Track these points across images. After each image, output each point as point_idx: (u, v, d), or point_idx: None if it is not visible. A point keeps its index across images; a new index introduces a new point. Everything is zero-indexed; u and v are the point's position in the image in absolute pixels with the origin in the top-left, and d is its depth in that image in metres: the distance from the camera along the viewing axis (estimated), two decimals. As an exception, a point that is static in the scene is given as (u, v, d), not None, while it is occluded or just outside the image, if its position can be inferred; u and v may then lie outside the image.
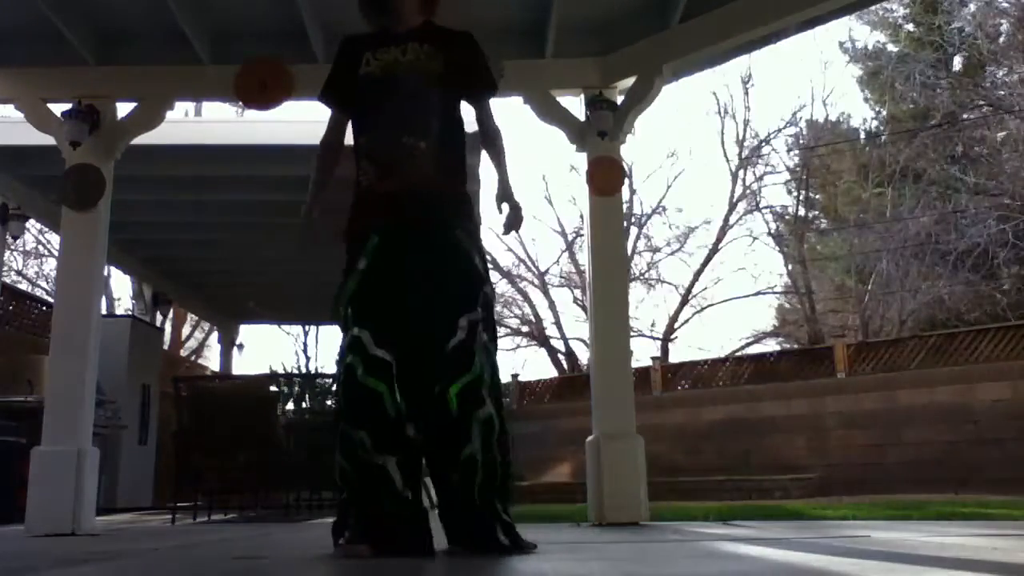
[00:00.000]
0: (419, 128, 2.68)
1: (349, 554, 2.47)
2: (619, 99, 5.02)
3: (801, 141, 21.75)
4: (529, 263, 22.28)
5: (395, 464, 2.47)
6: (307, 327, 21.29)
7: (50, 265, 17.51)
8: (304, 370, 18.04)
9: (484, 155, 2.90)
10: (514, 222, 2.79)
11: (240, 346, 12.07)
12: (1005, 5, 17.08)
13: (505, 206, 2.80)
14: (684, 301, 21.53)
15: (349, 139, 2.88)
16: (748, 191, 21.45)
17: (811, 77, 45.80)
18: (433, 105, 2.72)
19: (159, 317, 10.49)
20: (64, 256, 4.85)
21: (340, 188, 2.84)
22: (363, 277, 2.63)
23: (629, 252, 20.03)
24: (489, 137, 2.88)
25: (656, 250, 22.04)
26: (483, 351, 2.58)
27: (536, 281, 21.94)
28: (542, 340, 22.09)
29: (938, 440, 11.92)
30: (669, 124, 36.71)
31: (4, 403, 6.43)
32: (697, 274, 21.36)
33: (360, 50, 2.77)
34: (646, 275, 21.95)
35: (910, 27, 19.04)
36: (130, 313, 10.59)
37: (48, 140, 4.91)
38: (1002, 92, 16.62)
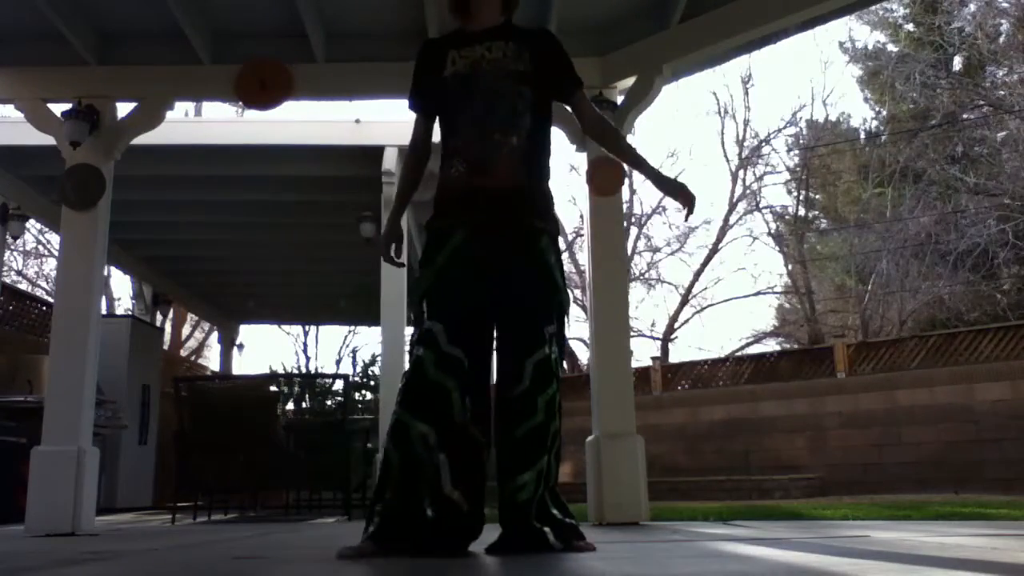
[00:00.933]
0: (509, 125, 2.65)
1: (348, 553, 2.43)
2: (619, 99, 5.02)
3: (801, 141, 21.77)
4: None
5: (447, 463, 2.44)
6: (307, 327, 21.28)
7: (50, 265, 17.52)
8: (304, 370, 18.09)
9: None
10: (689, 203, 2.70)
11: (240, 346, 12.08)
12: (1005, 5, 17.08)
13: (665, 190, 2.76)
14: (684, 301, 21.54)
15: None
16: (748, 191, 21.47)
17: (811, 77, 45.87)
18: (522, 102, 2.69)
19: (159, 317, 10.50)
20: (64, 256, 4.85)
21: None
22: (442, 271, 2.58)
23: (629, 252, 20.03)
24: (599, 129, 2.87)
25: (656, 250, 22.06)
26: (559, 365, 2.60)
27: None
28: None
29: (938, 440, 11.92)
30: (669, 124, 36.75)
31: (4, 403, 6.43)
32: (697, 274, 21.37)
33: (443, 50, 2.74)
34: (646, 275, 21.97)
35: (910, 27, 19.04)
36: (130, 313, 10.59)
37: (48, 140, 4.91)
38: (1002, 92, 16.62)
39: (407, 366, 2.59)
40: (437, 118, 2.81)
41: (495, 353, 2.61)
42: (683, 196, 2.70)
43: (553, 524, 2.52)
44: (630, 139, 5.24)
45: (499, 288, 2.58)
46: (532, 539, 2.47)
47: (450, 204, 2.66)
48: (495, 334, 2.61)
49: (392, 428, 2.49)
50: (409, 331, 10.11)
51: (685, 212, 2.70)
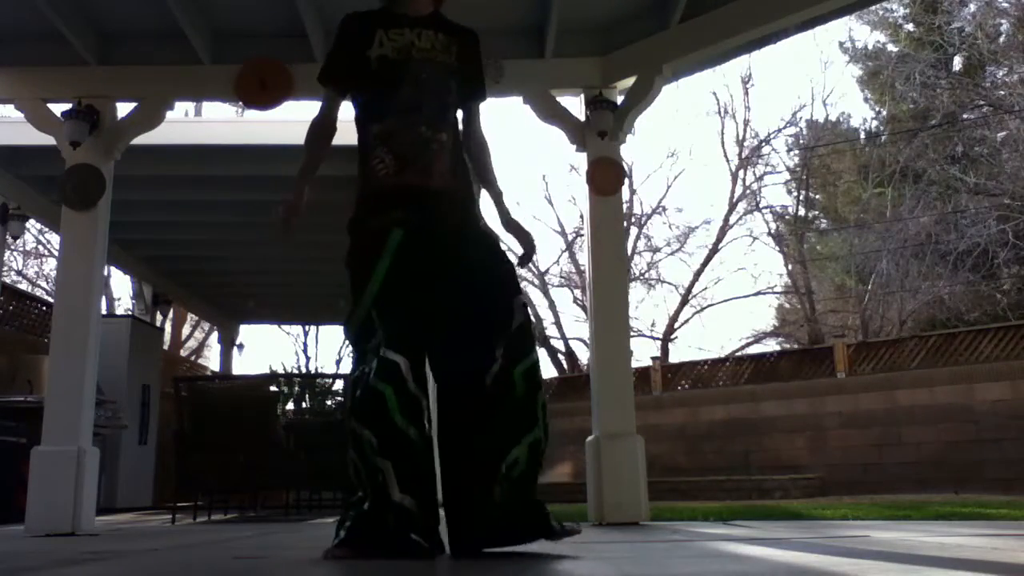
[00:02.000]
0: (438, 120, 2.58)
1: (331, 556, 2.44)
2: (619, 99, 5.02)
3: (801, 141, 21.77)
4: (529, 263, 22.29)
5: (392, 469, 2.38)
6: (307, 327, 21.28)
7: (50, 265, 17.52)
8: (304, 370, 18.09)
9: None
10: (531, 248, 2.70)
11: (240, 346, 12.08)
12: (1005, 5, 17.08)
13: (513, 232, 2.72)
14: (684, 301, 21.54)
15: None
16: (748, 191, 21.46)
17: (811, 77, 45.84)
18: (451, 97, 2.63)
19: (159, 317, 10.49)
20: (64, 256, 4.85)
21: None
22: (388, 276, 2.47)
23: (629, 252, 20.03)
24: (480, 145, 2.79)
25: (656, 250, 22.06)
26: (534, 334, 2.54)
27: (536, 281, 21.92)
28: (542, 340, 22.06)
29: (938, 440, 11.93)
30: (669, 124, 36.77)
31: (4, 403, 6.43)
32: (697, 274, 21.37)
33: (370, 28, 2.62)
34: (646, 275, 21.97)
35: (910, 27, 19.04)
36: (130, 313, 10.58)
37: (48, 140, 4.91)
38: (1002, 92, 16.62)
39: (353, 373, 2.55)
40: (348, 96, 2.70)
41: (451, 347, 2.51)
42: (524, 241, 2.70)
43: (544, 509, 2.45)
44: (630, 139, 5.27)
45: (455, 275, 2.50)
46: (535, 517, 2.39)
47: (382, 201, 2.55)
48: (450, 327, 2.51)
49: (350, 437, 2.47)
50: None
51: (521, 258, 2.68)
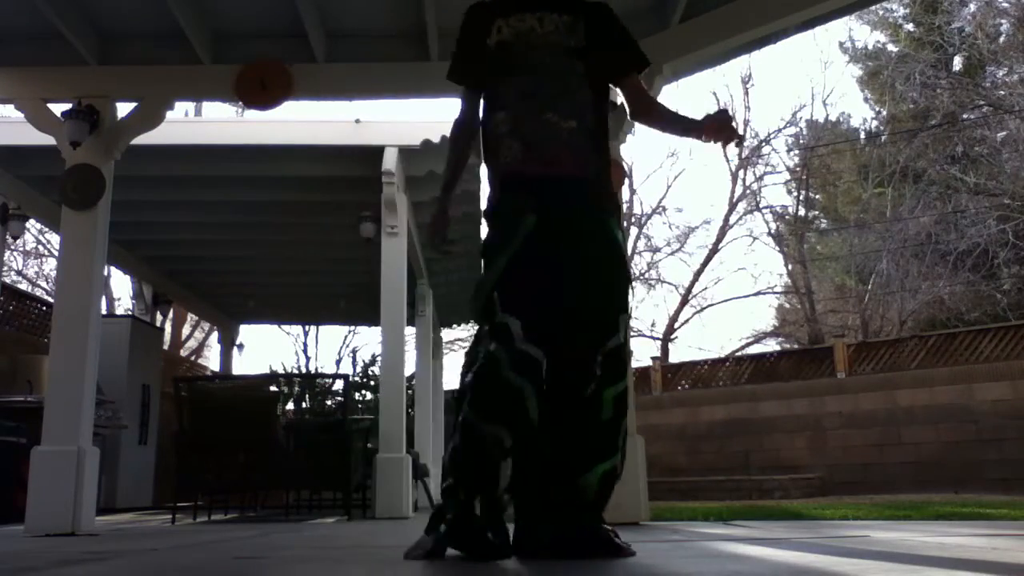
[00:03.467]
0: (564, 106, 2.46)
1: (415, 555, 2.32)
2: (619, 99, 5.01)
3: (801, 141, 21.79)
4: (529, 263, 22.30)
5: (510, 470, 2.27)
6: (307, 327, 21.28)
7: (50, 265, 17.51)
8: (304, 370, 18.10)
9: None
10: (731, 130, 2.41)
11: (240, 346, 12.07)
12: (1005, 5, 17.09)
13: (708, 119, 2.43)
14: (684, 301, 21.56)
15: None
16: (748, 191, 21.49)
17: (811, 77, 45.88)
18: (576, 79, 2.50)
19: (159, 317, 10.50)
20: (64, 256, 4.85)
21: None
22: (513, 261, 2.34)
23: (629, 252, 20.04)
24: (660, 112, 2.62)
25: (656, 250, 22.09)
26: (629, 356, 2.45)
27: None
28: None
29: (938, 440, 11.93)
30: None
31: (4, 403, 6.43)
32: (697, 274, 21.40)
33: (489, 17, 2.53)
34: (646, 275, 21.98)
35: (910, 27, 19.05)
36: (130, 313, 10.58)
37: (48, 140, 4.91)
38: (1002, 92, 16.63)
39: (477, 360, 2.35)
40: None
41: (559, 352, 2.37)
42: (719, 118, 2.43)
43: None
44: (630, 138, 5.25)
45: (575, 279, 2.39)
46: (596, 542, 2.34)
47: (514, 188, 2.44)
48: (574, 328, 2.39)
49: (463, 432, 2.30)
50: (410, 331, 10.03)
51: (725, 141, 2.41)
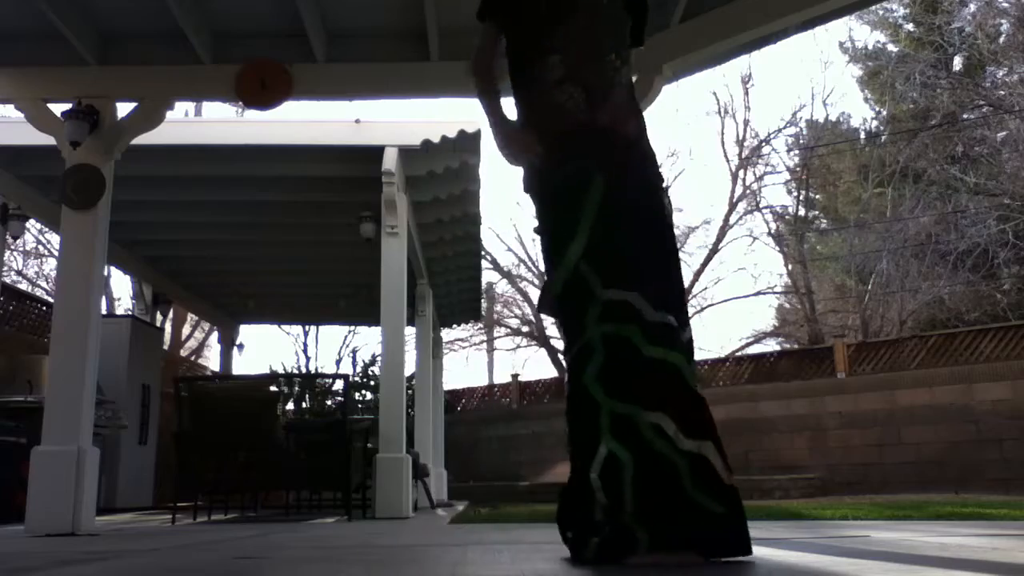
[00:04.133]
0: (621, 48, 2.28)
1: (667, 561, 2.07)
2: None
3: (801, 141, 21.77)
4: (529, 263, 22.29)
5: (713, 448, 2.04)
6: (307, 327, 21.28)
7: (50, 265, 17.50)
8: (304, 370, 18.10)
9: None
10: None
11: (240, 346, 12.07)
12: (1005, 5, 17.09)
13: None
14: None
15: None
16: (748, 191, 21.47)
17: (811, 77, 45.86)
18: (624, 22, 2.35)
19: (159, 317, 10.49)
20: (64, 256, 4.85)
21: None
22: (595, 228, 2.12)
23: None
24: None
25: (656, 250, 22.03)
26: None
27: (536, 281, 21.93)
28: (542, 340, 22.08)
29: (938, 440, 11.93)
30: (669, 124, 36.72)
31: (4, 403, 6.43)
32: (697, 274, 21.37)
33: None
34: (646, 275, 21.95)
35: (910, 27, 19.05)
36: (130, 313, 10.58)
37: (48, 140, 4.91)
38: (1002, 92, 16.63)
39: (593, 348, 2.10)
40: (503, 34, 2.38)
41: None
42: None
43: None
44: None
45: (635, 236, 2.19)
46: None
47: (576, 144, 2.21)
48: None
49: (613, 427, 2.05)
50: (410, 331, 9.98)
51: None
